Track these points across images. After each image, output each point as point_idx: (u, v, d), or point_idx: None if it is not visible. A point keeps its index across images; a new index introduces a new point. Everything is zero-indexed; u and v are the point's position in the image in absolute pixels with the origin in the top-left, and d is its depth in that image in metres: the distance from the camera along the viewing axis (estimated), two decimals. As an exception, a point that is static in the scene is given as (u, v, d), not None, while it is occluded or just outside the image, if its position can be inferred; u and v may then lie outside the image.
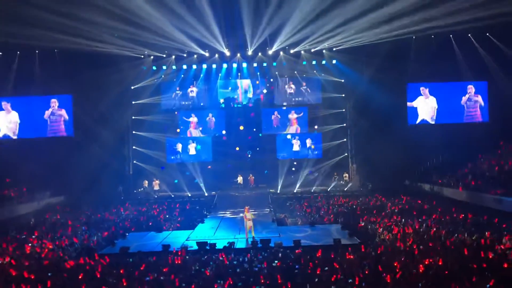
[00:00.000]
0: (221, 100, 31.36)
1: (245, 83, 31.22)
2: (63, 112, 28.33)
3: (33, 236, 17.58)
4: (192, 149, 30.94)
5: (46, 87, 27.96)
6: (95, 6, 21.42)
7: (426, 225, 17.46)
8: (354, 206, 23.08)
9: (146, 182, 29.68)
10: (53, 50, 27.13)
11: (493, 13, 21.89)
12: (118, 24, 23.70)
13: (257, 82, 31.16)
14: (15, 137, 28.07)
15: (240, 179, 30.11)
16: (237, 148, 31.38)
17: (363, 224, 18.93)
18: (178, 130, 31.21)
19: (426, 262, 11.79)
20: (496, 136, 25.82)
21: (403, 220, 18.65)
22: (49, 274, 12.09)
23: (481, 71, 27.14)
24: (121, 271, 12.24)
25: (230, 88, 31.26)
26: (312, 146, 30.88)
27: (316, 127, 31.24)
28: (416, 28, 24.85)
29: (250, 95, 31.28)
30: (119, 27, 24.22)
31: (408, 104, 28.61)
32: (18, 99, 28.31)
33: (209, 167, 30.90)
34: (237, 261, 13.47)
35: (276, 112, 31.08)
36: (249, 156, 31.43)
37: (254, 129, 31.50)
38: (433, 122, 28.49)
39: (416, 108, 28.63)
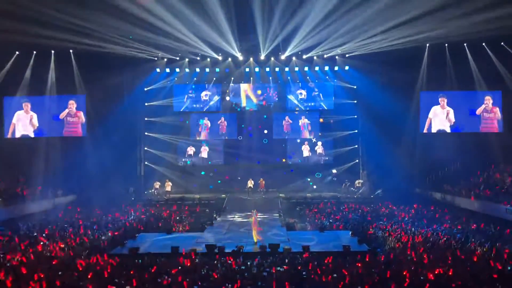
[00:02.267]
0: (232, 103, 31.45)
1: (247, 87, 31.16)
2: (80, 114, 28.58)
3: (44, 235, 17.76)
4: (204, 152, 31.06)
5: (60, 87, 28.29)
6: (110, 8, 21.63)
7: (437, 234, 17.34)
8: (364, 213, 23.01)
9: (158, 183, 29.74)
10: (68, 50, 27.45)
11: (508, 23, 21.70)
12: (133, 27, 23.94)
13: (268, 89, 31.18)
14: (32, 136, 28.43)
15: (250, 182, 30.02)
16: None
17: (373, 231, 18.85)
18: (198, 138, 31.41)
19: (436, 272, 11.70)
20: (510, 146, 25.52)
21: (413, 228, 18.55)
22: (59, 273, 12.18)
23: (495, 80, 26.89)
24: (131, 272, 12.30)
25: (233, 93, 31.28)
26: (323, 152, 30.85)
27: (327, 133, 31.15)
28: (430, 36, 24.75)
29: (254, 100, 31.22)
30: (134, 30, 24.47)
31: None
32: (33, 98, 28.64)
33: (214, 171, 30.80)
34: (245, 265, 13.48)
35: (287, 117, 31.08)
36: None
37: (266, 132, 31.55)
38: (448, 131, 28.23)
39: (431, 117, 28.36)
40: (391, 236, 17.39)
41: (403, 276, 11.40)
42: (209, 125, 31.17)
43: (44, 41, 24.04)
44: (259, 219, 18.20)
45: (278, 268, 12.74)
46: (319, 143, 31.10)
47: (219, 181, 31.04)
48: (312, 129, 31.05)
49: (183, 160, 31.20)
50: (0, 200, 22.21)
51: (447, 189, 25.55)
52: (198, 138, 31.32)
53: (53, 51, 27.75)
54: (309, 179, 30.54)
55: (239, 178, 30.81)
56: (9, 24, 21.76)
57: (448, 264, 12.52)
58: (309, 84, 30.79)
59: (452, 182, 25.68)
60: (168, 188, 29.37)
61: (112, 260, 13.89)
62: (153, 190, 29.55)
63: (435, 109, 28.24)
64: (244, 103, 31.19)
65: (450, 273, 11.54)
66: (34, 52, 27.32)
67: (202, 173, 30.46)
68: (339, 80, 30.46)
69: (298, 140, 31.25)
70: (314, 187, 30.13)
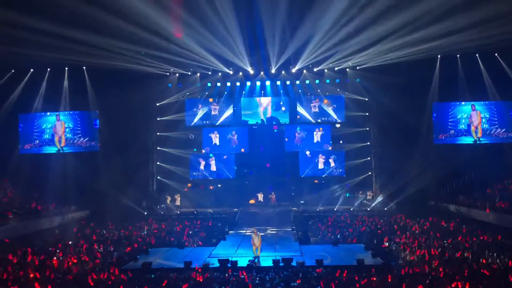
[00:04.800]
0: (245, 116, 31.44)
1: (265, 101, 31.14)
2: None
3: (58, 250, 17.84)
4: (213, 165, 31.07)
5: (74, 102, 28.65)
6: (123, 25, 21.92)
7: (452, 247, 17.09)
8: (378, 226, 22.78)
9: (169, 198, 29.74)
10: (81, 67, 27.84)
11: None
12: (145, 42, 24.22)
13: (279, 103, 31.17)
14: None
15: (260, 196, 29.81)
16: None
17: (387, 244, 18.65)
18: (203, 151, 31.25)
19: (453, 285, 11.50)
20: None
21: (428, 241, 18.31)
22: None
23: (508, 90, 26.66)
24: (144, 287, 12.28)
25: (244, 106, 31.24)
26: (334, 164, 30.65)
27: (338, 144, 31.00)
28: (442, 47, 24.66)
29: (265, 113, 31.16)
30: (146, 45, 24.76)
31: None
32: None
33: (211, 187, 30.68)
34: (258, 280, 13.39)
35: (298, 129, 31.04)
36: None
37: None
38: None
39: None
40: (406, 250, 17.18)
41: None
42: (219, 138, 31.19)
43: (57, 58, 24.42)
44: (261, 234, 18.26)
45: (292, 284, 12.64)
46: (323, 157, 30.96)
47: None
48: (323, 142, 30.87)
49: (194, 174, 31.13)
50: (15, 215, 22.39)
51: (462, 201, 25.22)
52: (203, 152, 31.34)
53: (66, 68, 28.15)
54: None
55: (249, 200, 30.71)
56: (22, 42, 22.14)
57: (465, 277, 12.31)
58: (320, 97, 30.70)
59: (467, 194, 25.35)
60: (178, 202, 29.33)
61: (125, 275, 13.90)
62: (163, 205, 29.47)
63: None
64: (255, 116, 31.17)
65: (467, 286, 11.34)
66: (48, 69, 27.75)
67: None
68: (350, 92, 30.37)
69: (308, 152, 31.04)
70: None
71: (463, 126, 28.14)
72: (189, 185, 30.39)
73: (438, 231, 20.64)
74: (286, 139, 31.19)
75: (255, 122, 31.20)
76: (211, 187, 30.31)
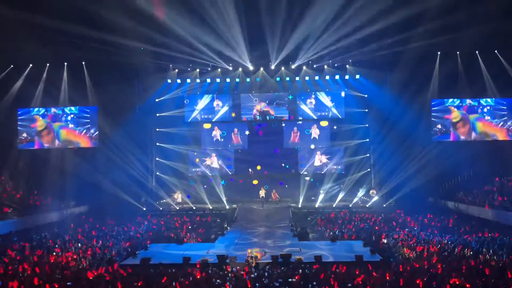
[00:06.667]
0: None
1: (257, 97, 31.02)
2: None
3: (57, 246, 17.86)
4: (214, 162, 31.11)
5: (73, 98, 28.59)
6: (122, 20, 21.88)
7: (452, 243, 17.13)
8: (377, 223, 22.82)
9: (178, 193, 29.70)
10: (80, 62, 27.78)
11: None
12: (144, 38, 24.17)
13: (279, 99, 31.13)
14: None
15: (262, 192, 29.82)
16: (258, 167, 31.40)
17: (385, 241, 18.69)
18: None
19: (451, 282, 11.53)
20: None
21: (426, 238, 18.36)
22: (69, 283, 12.17)
23: (507, 87, 26.66)
24: (139, 283, 12.28)
25: (244, 102, 31.13)
26: (327, 161, 30.73)
27: (338, 142, 30.99)
28: (442, 44, 24.66)
29: (265, 110, 31.07)
30: (145, 41, 24.70)
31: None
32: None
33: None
34: (257, 276, 13.41)
35: (295, 128, 31.05)
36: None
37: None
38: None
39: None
40: (404, 246, 17.23)
41: (416, 285, 11.28)
42: (220, 134, 31.19)
43: (56, 53, 24.37)
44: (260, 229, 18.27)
45: (290, 280, 12.66)
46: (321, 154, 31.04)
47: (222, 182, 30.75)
48: (322, 138, 30.92)
49: (193, 170, 31.17)
50: (14, 210, 22.40)
51: (460, 197, 25.26)
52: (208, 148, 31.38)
53: (65, 63, 28.08)
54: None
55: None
56: (21, 36, 22.11)
57: (463, 273, 12.34)
58: (320, 93, 30.67)
59: (466, 191, 25.40)
60: (179, 199, 29.32)
61: (123, 271, 13.91)
62: (172, 200, 29.37)
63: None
64: (255, 112, 31.11)
65: (466, 285, 11.34)
66: (48, 64, 27.70)
67: (223, 182, 30.47)
68: (350, 89, 30.27)
69: (312, 146, 31.12)
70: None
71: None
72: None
73: (437, 227, 20.70)
74: (285, 136, 31.18)
75: (253, 119, 31.15)
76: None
